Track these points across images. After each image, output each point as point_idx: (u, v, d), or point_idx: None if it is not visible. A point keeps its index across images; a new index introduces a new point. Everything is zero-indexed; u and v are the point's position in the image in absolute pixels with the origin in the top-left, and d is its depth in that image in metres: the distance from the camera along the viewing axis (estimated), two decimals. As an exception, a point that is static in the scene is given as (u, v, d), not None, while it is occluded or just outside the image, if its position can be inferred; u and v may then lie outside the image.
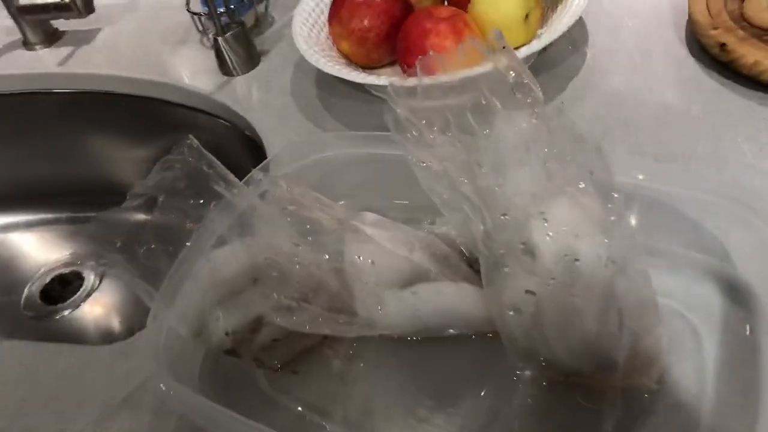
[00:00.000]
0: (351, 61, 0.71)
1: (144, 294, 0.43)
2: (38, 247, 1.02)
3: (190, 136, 0.42)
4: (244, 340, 0.45)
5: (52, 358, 0.54)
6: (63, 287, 0.96)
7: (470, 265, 0.48)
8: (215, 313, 0.43)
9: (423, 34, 0.63)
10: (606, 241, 0.37)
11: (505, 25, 0.66)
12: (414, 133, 0.42)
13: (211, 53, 0.82)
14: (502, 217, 0.41)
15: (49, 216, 1.02)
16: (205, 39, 0.86)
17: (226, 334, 0.44)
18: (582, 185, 0.38)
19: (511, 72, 0.39)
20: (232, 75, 0.79)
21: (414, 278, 0.45)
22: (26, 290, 0.96)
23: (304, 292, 0.43)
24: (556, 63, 0.69)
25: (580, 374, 0.40)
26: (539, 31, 0.68)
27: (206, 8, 0.80)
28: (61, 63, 0.89)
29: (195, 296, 0.42)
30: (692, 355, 0.43)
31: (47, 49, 0.93)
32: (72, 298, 0.93)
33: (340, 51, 0.71)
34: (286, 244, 0.43)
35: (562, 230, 0.38)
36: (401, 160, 0.56)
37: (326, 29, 0.73)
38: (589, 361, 0.39)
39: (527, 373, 0.42)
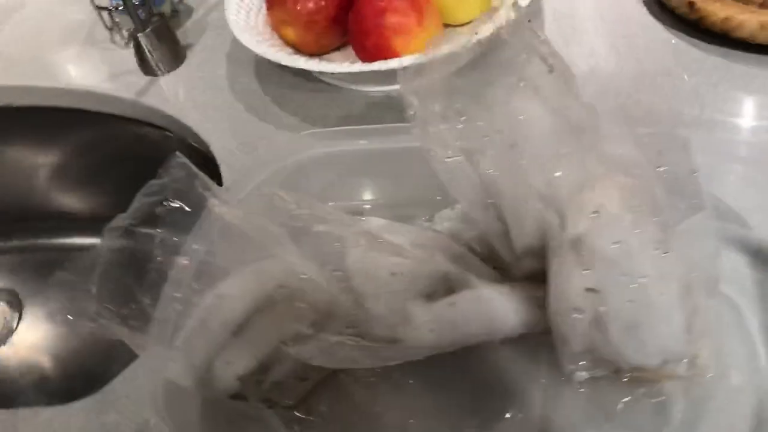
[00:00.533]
0: (296, 48, 0.64)
1: (135, 345, 0.36)
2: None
3: (177, 153, 0.35)
4: (255, 382, 0.39)
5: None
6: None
7: (485, 262, 0.44)
8: (224, 356, 0.37)
9: (379, 12, 0.58)
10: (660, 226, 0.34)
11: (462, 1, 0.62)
12: (432, 123, 0.37)
13: (125, 52, 0.73)
14: (540, 207, 0.37)
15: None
16: (117, 37, 0.76)
17: (238, 378, 0.38)
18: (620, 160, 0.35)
19: (540, 46, 0.34)
20: (156, 74, 0.70)
21: (437, 285, 0.41)
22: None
23: (319, 319, 0.38)
24: (507, 44, 0.66)
25: (643, 369, 0.37)
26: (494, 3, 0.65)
27: (116, 1, 0.71)
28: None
29: (201, 340, 0.35)
30: (738, 331, 0.41)
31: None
32: (-14, 342, 0.82)
33: (282, 38, 0.64)
34: (295, 265, 0.37)
35: (613, 218, 0.34)
36: (381, 152, 0.51)
37: (262, 15, 0.67)
38: (657, 356, 0.36)
39: (579, 374, 0.39)
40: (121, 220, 0.36)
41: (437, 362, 0.42)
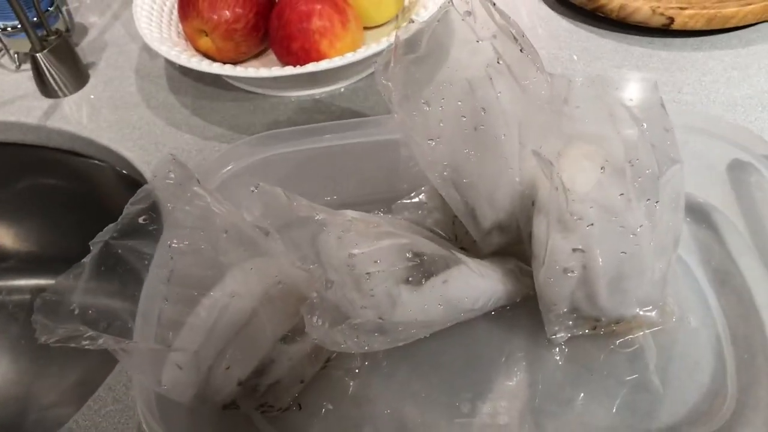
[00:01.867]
0: (213, 58, 0.63)
1: (123, 354, 0.34)
2: None
3: (171, 153, 0.34)
4: (252, 387, 0.38)
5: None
6: None
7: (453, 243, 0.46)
8: (223, 362, 0.36)
9: (304, 17, 0.59)
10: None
11: (379, 2, 0.64)
12: (409, 110, 0.38)
13: (18, 76, 0.69)
14: (517, 180, 0.39)
15: None
16: (6, 59, 0.71)
17: (239, 384, 0.37)
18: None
19: (512, 29, 0.36)
20: (59, 96, 0.66)
21: (416, 269, 0.42)
22: None
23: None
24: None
25: (620, 321, 0.40)
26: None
27: (5, 21, 0.66)
28: None
29: (210, 346, 0.34)
30: (687, 280, 0.45)
31: None
32: None
33: (198, 49, 0.63)
34: (288, 259, 0.37)
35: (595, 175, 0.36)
36: (325, 151, 0.52)
37: (174, 27, 0.65)
38: (637, 305, 0.39)
39: (561, 335, 0.41)
40: (105, 233, 0.34)
41: (422, 346, 0.43)
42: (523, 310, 0.44)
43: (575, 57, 0.63)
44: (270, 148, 0.49)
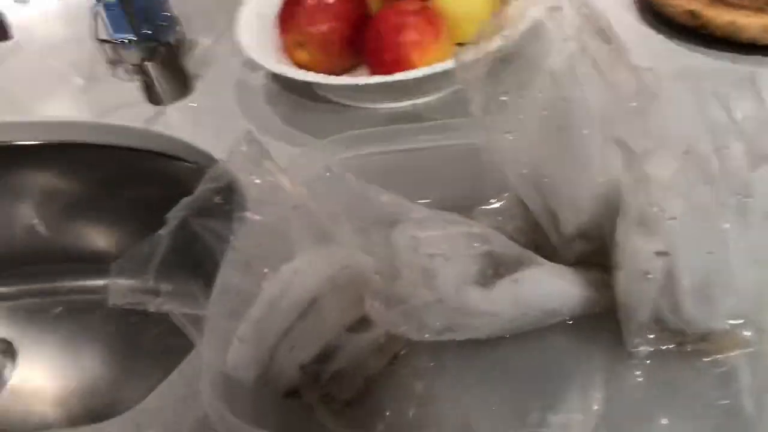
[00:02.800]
0: (309, 70, 0.65)
1: (193, 327, 0.35)
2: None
3: (250, 130, 0.35)
4: (314, 374, 0.38)
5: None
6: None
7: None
8: (288, 342, 0.35)
9: (396, 30, 0.60)
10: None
11: (471, 17, 0.64)
12: (488, 107, 0.37)
13: (130, 85, 0.73)
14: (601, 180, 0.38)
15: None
16: (120, 70, 0.76)
17: (301, 367, 0.36)
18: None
19: (599, 20, 0.35)
20: (165, 104, 0.70)
21: (490, 270, 0.40)
22: None
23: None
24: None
25: (709, 337, 0.37)
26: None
27: (121, 34, 0.71)
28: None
29: (271, 321, 0.34)
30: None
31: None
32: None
33: (295, 61, 0.65)
34: (356, 244, 0.36)
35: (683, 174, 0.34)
36: (413, 153, 0.51)
37: (273, 39, 0.68)
38: (726, 318, 0.36)
39: (643, 348, 0.39)
40: (180, 208, 0.35)
41: (492, 351, 0.41)
42: (603, 322, 0.41)
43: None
44: (352, 149, 0.50)
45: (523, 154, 0.38)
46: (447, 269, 0.38)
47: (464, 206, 0.49)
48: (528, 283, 0.38)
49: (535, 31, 0.38)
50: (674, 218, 0.33)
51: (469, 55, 0.39)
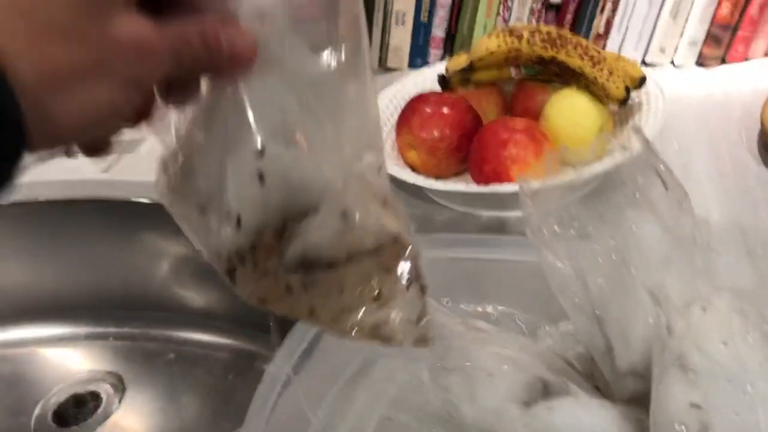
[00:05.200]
0: (418, 171, 0.69)
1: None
2: (55, 364, 0.95)
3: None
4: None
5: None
6: (78, 408, 0.89)
7: (586, 380, 0.44)
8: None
9: (501, 144, 0.63)
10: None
11: (579, 138, 0.66)
12: (547, 231, 0.39)
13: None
14: (651, 321, 0.37)
15: (74, 330, 0.96)
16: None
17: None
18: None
19: (659, 165, 0.36)
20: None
21: (535, 394, 0.41)
22: (37, 410, 0.89)
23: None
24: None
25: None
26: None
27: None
28: (104, 170, 0.87)
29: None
30: None
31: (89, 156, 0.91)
32: (88, 420, 0.86)
33: (406, 162, 0.70)
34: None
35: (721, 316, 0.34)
36: (490, 263, 0.53)
37: (390, 140, 0.73)
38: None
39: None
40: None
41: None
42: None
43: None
44: (438, 250, 0.52)
45: (577, 284, 0.39)
46: (491, 385, 0.39)
47: (534, 322, 0.50)
48: (562, 413, 0.38)
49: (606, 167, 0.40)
50: (714, 370, 0.32)
51: (538, 180, 0.41)
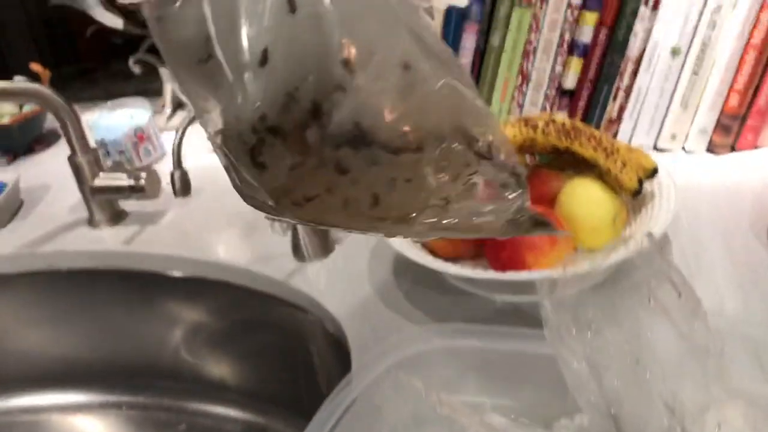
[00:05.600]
0: (433, 251, 0.71)
1: None
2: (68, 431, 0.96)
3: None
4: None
5: None
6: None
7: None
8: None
9: (516, 230, 0.64)
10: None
11: (593, 226, 0.67)
12: (564, 331, 0.40)
13: (282, 239, 0.83)
14: (665, 423, 0.38)
15: (88, 398, 0.97)
16: (277, 225, 0.87)
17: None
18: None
19: (672, 274, 0.38)
20: (305, 260, 0.79)
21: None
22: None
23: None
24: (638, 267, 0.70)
25: None
26: (623, 233, 0.69)
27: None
28: (126, 242, 0.89)
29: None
30: None
31: (112, 228, 0.93)
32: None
33: (423, 242, 0.71)
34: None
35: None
36: (504, 354, 0.54)
37: (408, 221, 0.75)
38: None
39: None
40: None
41: None
42: None
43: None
44: (451, 339, 0.54)
45: (593, 383, 0.40)
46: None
47: (550, 414, 0.51)
48: None
49: (623, 265, 0.41)
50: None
51: (555, 275, 0.42)
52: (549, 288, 0.41)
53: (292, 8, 0.24)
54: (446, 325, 0.54)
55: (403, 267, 0.75)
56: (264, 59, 0.24)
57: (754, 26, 0.79)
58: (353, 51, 0.24)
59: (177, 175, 0.79)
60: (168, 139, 1.12)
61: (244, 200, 0.30)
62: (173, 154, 0.78)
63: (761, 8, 0.78)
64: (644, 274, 0.38)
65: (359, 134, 0.25)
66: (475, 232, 0.31)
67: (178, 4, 0.25)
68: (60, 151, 1.20)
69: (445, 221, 0.29)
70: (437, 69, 0.26)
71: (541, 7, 0.86)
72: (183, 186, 0.79)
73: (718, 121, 0.85)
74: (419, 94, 0.26)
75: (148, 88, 1.33)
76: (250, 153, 0.26)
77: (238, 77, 0.25)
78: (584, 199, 0.67)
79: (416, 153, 0.26)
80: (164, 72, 1.22)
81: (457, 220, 0.30)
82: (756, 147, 0.86)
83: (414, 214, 0.28)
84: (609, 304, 0.39)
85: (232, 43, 0.24)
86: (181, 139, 0.77)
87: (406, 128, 0.25)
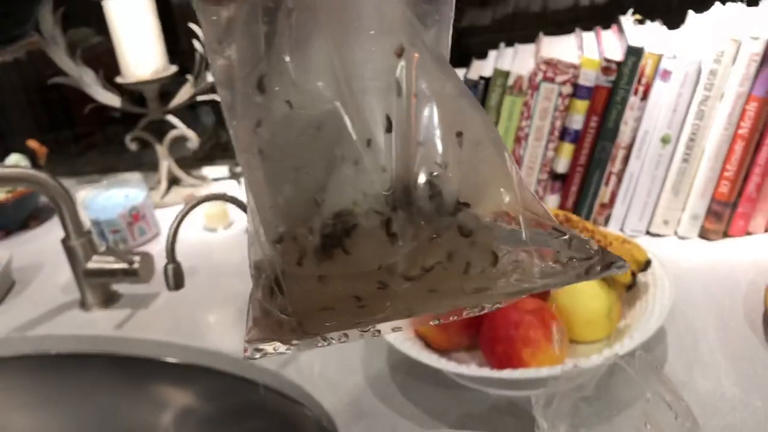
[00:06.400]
0: (428, 343, 0.70)
1: None
2: None
3: None
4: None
5: None
6: None
7: None
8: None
9: (512, 325, 0.64)
10: None
11: (588, 320, 0.67)
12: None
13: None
14: None
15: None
16: (270, 310, 0.86)
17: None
18: None
19: (666, 393, 0.37)
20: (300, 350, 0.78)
21: None
22: None
23: None
24: (629, 362, 0.69)
25: None
26: (618, 325, 0.69)
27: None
28: (117, 326, 0.88)
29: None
30: None
31: (104, 311, 0.92)
32: None
33: (417, 333, 0.71)
34: None
35: None
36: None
37: (402, 311, 0.74)
38: None
39: None
40: None
41: None
42: None
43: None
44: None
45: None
46: None
47: None
48: None
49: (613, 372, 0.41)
50: None
51: (548, 391, 0.42)
52: (545, 403, 0.41)
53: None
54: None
55: (397, 359, 0.74)
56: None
57: (741, 117, 0.81)
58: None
59: (170, 269, 0.78)
60: (163, 217, 1.12)
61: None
62: (167, 247, 0.78)
63: (747, 100, 0.80)
64: (639, 389, 0.38)
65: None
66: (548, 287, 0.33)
67: None
68: (54, 227, 1.20)
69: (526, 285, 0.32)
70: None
71: (532, 96, 0.88)
72: (176, 280, 0.78)
73: (710, 207, 0.86)
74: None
75: (143, 161, 1.34)
76: (386, 225, 0.29)
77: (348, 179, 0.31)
78: (578, 292, 0.67)
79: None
80: (160, 149, 1.23)
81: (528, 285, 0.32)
82: (748, 233, 0.87)
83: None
84: (602, 417, 0.39)
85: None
86: (175, 231, 0.76)
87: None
